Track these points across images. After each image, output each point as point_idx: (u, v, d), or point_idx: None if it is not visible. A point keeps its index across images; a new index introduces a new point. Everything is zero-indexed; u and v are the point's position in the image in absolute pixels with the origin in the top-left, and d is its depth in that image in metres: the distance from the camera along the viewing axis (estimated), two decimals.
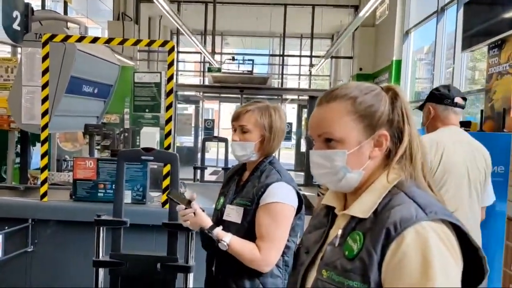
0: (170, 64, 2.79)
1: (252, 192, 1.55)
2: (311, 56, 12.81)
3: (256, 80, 12.11)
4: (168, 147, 2.82)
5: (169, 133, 2.82)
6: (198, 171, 4.97)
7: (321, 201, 1.00)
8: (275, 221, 1.49)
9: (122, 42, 2.76)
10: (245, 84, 11.40)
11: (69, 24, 3.91)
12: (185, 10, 11.37)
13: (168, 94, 2.80)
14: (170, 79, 2.80)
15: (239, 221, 1.54)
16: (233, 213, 1.58)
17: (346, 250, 0.79)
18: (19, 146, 3.44)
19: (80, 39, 2.70)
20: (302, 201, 1.60)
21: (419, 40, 8.69)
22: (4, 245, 2.65)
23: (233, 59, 12.77)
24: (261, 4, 11.41)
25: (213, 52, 10.90)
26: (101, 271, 2.13)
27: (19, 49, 3.31)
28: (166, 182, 2.74)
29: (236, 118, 1.63)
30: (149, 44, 2.78)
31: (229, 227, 1.54)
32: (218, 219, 1.64)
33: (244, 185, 1.63)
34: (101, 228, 2.07)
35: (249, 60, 13.23)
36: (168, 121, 2.81)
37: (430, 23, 7.32)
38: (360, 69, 10.90)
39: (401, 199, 0.77)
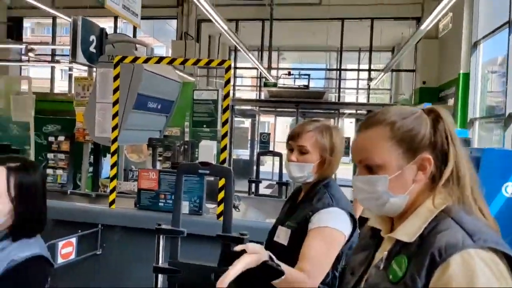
0: (227, 82, 2.93)
1: (302, 215, 1.50)
2: (369, 70, 12.53)
3: (312, 95, 12.08)
4: (224, 161, 2.94)
5: (224, 148, 2.93)
6: (253, 185, 5.07)
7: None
8: (323, 245, 1.40)
9: (183, 62, 2.96)
10: (301, 98, 11.41)
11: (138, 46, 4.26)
12: (243, 27, 11.76)
13: (225, 110, 2.93)
14: (226, 96, 2.93)
15: (285, 244, 1.50)
16: (282, 235, 1.54)
17: (390, 274, 0.79)
18: (92, 156, 3.77)
19: (147, 60, 2.94)
20: (356, 228, 1.50)
21: (489, 52, 8.13)
22: (77, 247, 2.91)
23: (289, 74, 12.87)
24: (318, 19, 11.45)
25: (269, 68, 11.10)
26: (160, 277, 2.26)
27: (94, 70, 3.66)
28: (221, 195, 2.85)
29: (294, 137, 1.57)
30: (208, 63, 2.94)
31: (275, 248, 1.50)
32: (270, 239, 1.63)
33: (297, 207, 1.59)
34: (161, 236, 2.21)
35: (305, 74, 13.26)
36: (224, 136, 2.93)
37: (501, 34, 6.84)
38: (424, 82, 10.43)
39: (448, 225, 0.76)
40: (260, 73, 12.36)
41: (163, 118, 4.16)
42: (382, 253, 0.86)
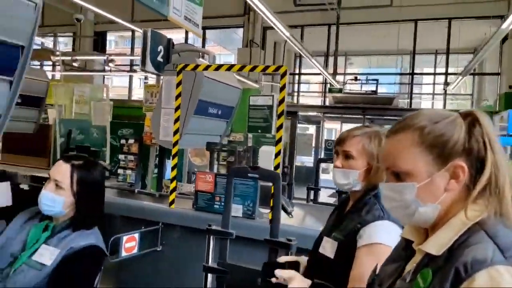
0: (282, 88, 2.95)
1: (350, 227, 1.43)
2: (446, 74, 11.68)
3: (380, 101, 11.59)
4: (277, 166, 2.95)
5: (278, 153, 2.95)
6: (312, 192, 5.01)
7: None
8: (374, 264, 1.34)
9: (240, 69, 3.04)
10: (368, 104, 11.01)
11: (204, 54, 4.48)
12: (308, 33, 11.71)
13: (279, 115, 2.95)
14: (281, 101, 2.95)
15: (331, 256, 1.44)
16: (328, 247, 1.48)
17: (415, 287, 0.74)
18: (157, 159, 4.03)
19: (207, 67, 3.08)
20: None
21: None
22: (140, 243, 3.12)
23: (356, 79, 12.51)
24: (389, 21, 10.98)
25: (334, 73, 10.91)
26: (210, 276, 2.34)
27: (161, 78, 3.93)
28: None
29: (340, 142, 1.53)
30: (264, 69, 2.99)
31: (321, 261, 1.46)
32: (315, 249, 1.60)
33: (344, 217, 1.53)
34: (211, 237, 2.29)
35: (373, 79, 12.78)
36: (278, 141, 2.95)
37: None
38: (510, 87, 9.46)
39: (479, 238, 0.70)
40: (325, 79, 12.20)
41: (223, 124, 4.30)
42: (411, 265, 0.82)
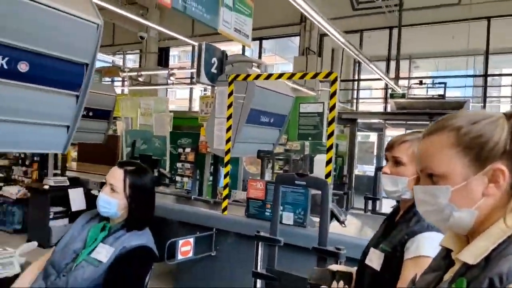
0: (333, 94, 2.90)
1: (398, 238, 1.35)
2: None
3: (448, 105, 10.81)
4: (328, 174, 2.90)
5: (329, 161, 2.90)
6: (370, 202, 4.81)
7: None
8: None
9: (290, 77, 3.06)
10: (435, 109, 10.34)
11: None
12: (368, 37, 11.37)
13: (330, 123, 2.91)
14: (332, 108, 2.90)
15: (378, 269, 1.36)
16: (375, 258, 1.40)
17: None
18: (212, 167, 4.17)
19: (257, 77, 3.14)
20: None
21: None
22: (195, 247, 3.24)
23: (421, 83, 11.82)
24: (458, 21, 10.28)
25: (396, 78, 10.43)
26: (259, 282, 2.36)
27: (215, 88, 4.08)
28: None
29: (389, 147, 1.45)
30: (314, 76, 2.97)
31: (367, 271, 1.39)
32: (362, 260, 1.55)
33: (393, 228, 1.44)
34: (260, 243, 2.32)
35: (440, 83, 11.99)
36: (329, 149, 2.90)
37: None
38: None
39: None
40: (387, 84, 11.71)
41: (276, 132, 4.33)
42: (449, 275, 0.77)
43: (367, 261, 1.43)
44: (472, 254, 0.71)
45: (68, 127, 2.10)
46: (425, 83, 12.51)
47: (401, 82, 11.26)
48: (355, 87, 12.45)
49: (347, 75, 12.43)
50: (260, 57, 11.09)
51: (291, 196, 3.05)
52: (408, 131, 1.59)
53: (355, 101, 12.26)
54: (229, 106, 3.27)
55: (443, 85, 11.97)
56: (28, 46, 1.79)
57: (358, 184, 9.66)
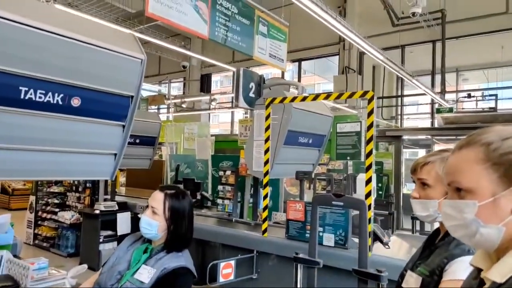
0: (370, 113, 2.88)
1: (437, 261, 1.30)
2: None
3: (502, 118, 10.19)
4: (369, 194, 2.84)
5: (369, 180, 2.85)
6: (418, 222, 4.60)
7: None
8: None
9: (326, 97, 3.08)
10: (486, 123, 9.77)
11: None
12: (410, 52, 11.11)
13: (368, 141, 2.87)
14: (370, 127, 2.87)
15: None
16: (411, 282, 1.35)
17: None
18: (252, 189, 4.22)
19: (293, 99, 3.19)
20: None
21: None
22: (236, 270, 3.26)
23: (469, 96, 11.27)
24: (505, 30, 9.79)
25: (443, 92, 10.04)
26: None
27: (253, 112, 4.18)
28: (369, 228, 2.75)
29: (413, 170, 1.41)
30: (350, 96, 2.97)
31: None
32: (398, 284, 1.50)
33: (432, 250, 1.39)
34: (299, 265, 2.30)
35: (491, 95, 11.35)
36: (368, 168, 2.85)
37: None
38: None
39: None
40: (432, 99, 11.29)
41: (315, 152, 4.32)
42: None
43: (404, 284, 1.38)
44: (499, 272, 0.69)
45: (115, 154, 2.26)
46: (473, 96, 11.90)
47: (448, 96, 10.80)
48: (399, 103, 12.10)
49: (390, 91, 12.13)
50: (299, 77, 11.19)
51: (331, 217, 3.01)
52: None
53: (399, 117, 11.89)
54: (267, 128, 3.34)
55: (494, 97, 11.32)
56: (80, 83, 1.97)
57: (407, 204, 9.23)
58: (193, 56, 8.90)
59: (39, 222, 6.17)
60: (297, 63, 11.12)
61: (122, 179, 7.12)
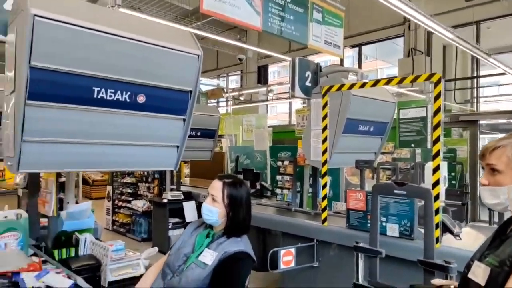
0: (437, 97, 2.71)
1: (507, 252, 1.23)
2: None
3: None
4: (437, 182, 2.69)
5: (436, 168, 2.69)
6: (496, 213, 4.24)
7: None
8: None
9: (387, 83, 2.95)
10: None
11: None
12: (487, 28, 10.13)
13: (435, 127, 2.71)
14: (437, 111, 2.70)
15: (482, 283, 1.24)
16: (479, 273, 1.28)
17: None
18: (311, 178, 4.20)
19: (351, 86, 3.10)
20: None
21: None
22: (296, 258, 3.29)
23: None
24: None
25: None
26: None
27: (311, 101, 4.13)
28: (437, 219, 2.61)
29: (482, 155, 1.34)
30: (414, 80, 2.82)
31: (469, 286, 1.27)
32: (464, 275, 1.41)
33: (503, 240, 1.30)
34: (359, 254, 2.26)
35: None
36: (436, 155, 2.70)
37: None
38: None
39: None
40: None
41: (377, 140, 4.16)
42: None
43: (470, 275, 1.31)
44: None
45: (177, 147, 2.38)
46: None
47: None
48: (475, 85, 11.11)
49: (464, 73, 11.17)
50: (360, 63, 10.77)
51: (395, 206, 2.90)
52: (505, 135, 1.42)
53: (475, 100, 10.93)
54: (324, 117, 3.29)
55: None
56: (144, 81, 2.11)
57: None
58: (248, 49, 8.99)
59: (116, 210, 6.75)
60: (357, 48, 10.71)
61: (186, 170, 7.49)
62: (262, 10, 2.58)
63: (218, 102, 11.32)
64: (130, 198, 6.48)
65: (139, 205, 6.08)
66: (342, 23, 3.55)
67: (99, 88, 1.98)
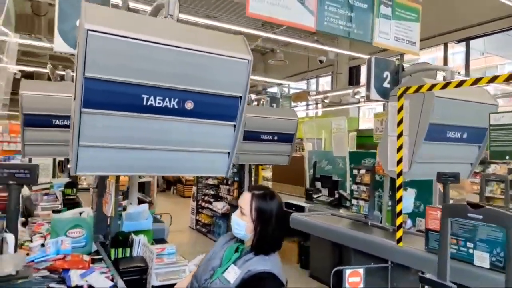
0: None
1: None
2: None
3: None
4: None
5: None
6: None
7: None
8: None
9: (474, 82, 2.48)
10: None
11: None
12: None
13: None
14: None
15: None
16: None
17: None
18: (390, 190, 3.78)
19: (431, 87, 2.69)
20: None
21: None
22: (366, 280, 2.97)
23: None
24: None
25: None
26: None
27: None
28: None
29: None
30: (509, 79, 2.31)
31: None
32: None
33: None
34: (425, 286, 1.92)
35: None
36: None
37: None
38: None
39: None
40: None
41: (473, 148, 3.56)
42: None
43: None
44: None
45: (228, 153, 2.34)
46: None
47: None
48: None
49: None
50: (468, 60, 9.47)
51: (485, 231, 2.41)
52: None
53: None
54: (399, 122, 2.92)
55: None
56: (192, 87, 2.11)
57: None
58: (330, 51, 8.64)
59: (199, 210, 7.09)
60: (464, 43, 9.45)
61: (268, 174, 7.49)
62: (316, 9, 2.38)
63: (307, 105, 11.12)
64: (212, 200, 6.73)
65: (219, 206, 6.27)
66: (419, 16, 3.11)
67: (148, 96, 2.03)
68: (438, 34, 8.85)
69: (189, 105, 2.14)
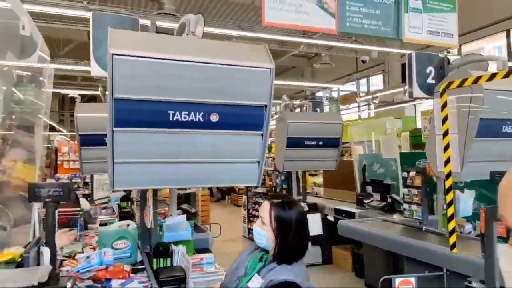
0: None
1: None
2: None
3: None
4: None
5: None
6: None
7: None
8: None
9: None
10: None
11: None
12: None
13: None
14: None
15: None
16: None
17: None
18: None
19: (476, 80, 2.48)
20: None
21: None
22: None
23: None
24: None
25: None
26: None
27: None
28: None
29: None
30: None
31: None
32: None
33: None
34: None
35: None
36: None
37: None
38: None
39: None
40: None
41: None
42: None
43: None
44: None
45: (258, 162, 2.34)
46: None
47: None
48: None
49: None
50: (510, 51, 8.51)
51: None
52: None
53: None
54: (444, 119, 2.71)
55: None
56: (216, 100, 2.15)
57: None
58: (373, 50, 8.29)
59: (251, 219, 7.13)
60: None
61: (319, 179, 7.33)
62: (337, 11, 2.29)
63: (359, 106, 10.75)
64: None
65: None
66: (455, 6, 2.87)
67: (173, 111, 2.12)
68: (499, 20, 8.11)
69: (214, 118, 2.18)
